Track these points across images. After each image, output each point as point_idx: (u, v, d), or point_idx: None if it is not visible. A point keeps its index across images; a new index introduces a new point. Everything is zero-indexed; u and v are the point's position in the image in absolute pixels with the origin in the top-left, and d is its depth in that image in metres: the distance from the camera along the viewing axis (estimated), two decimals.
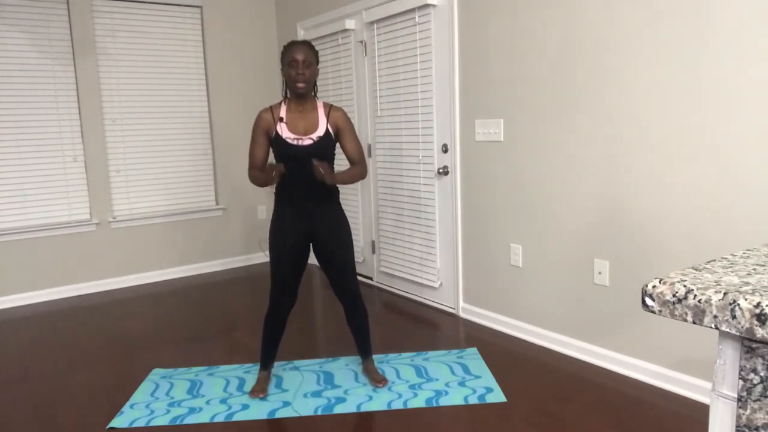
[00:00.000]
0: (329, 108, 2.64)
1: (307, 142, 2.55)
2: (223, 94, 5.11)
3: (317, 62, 2.57)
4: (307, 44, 2.55)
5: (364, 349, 2.84)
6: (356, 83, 4.40)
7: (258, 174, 2.59)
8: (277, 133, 2.56)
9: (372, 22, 4.10)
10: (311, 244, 2.70)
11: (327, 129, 2.59)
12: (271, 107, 2.62)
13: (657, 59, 2.50)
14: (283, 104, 2.62)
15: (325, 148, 2.58)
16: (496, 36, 3.23)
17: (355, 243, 4.68)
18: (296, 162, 2.56)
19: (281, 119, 2.57)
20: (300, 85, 2.51)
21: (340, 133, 2.64)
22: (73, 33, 4.38)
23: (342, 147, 2.68)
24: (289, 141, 2.55)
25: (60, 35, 4.35)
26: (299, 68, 2.50)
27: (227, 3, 5.07)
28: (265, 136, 2.60)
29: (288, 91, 2.61)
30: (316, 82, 2.60)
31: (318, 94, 4.88)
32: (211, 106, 5.06)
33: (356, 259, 4.67)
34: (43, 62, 4.30)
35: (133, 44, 4.66)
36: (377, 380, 2.76)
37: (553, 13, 2.91)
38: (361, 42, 4.27)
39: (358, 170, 2.64)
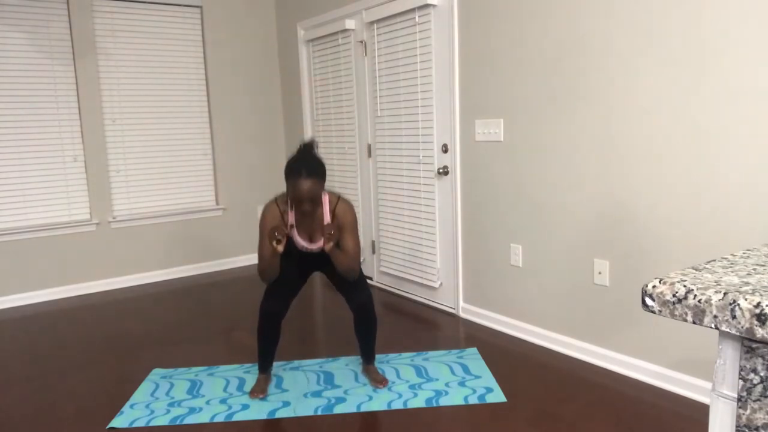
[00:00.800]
0: (335, 204, 2.59)
1: (315, 248, 2.64)
2: (223, 94, 5.11)
3: (323, 185, 2.46)
4: (310, 175, 2.37)
5: (367, 355, 2.85)
6: (356, 83, 4.40)
7: (267, 267, 2.53)
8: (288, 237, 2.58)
9: (372, 22, 4.10)
10: (318, 269, 2.80)
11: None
12: (278, 204, 2.56)
13: (657, 59, 2.50)
14: (289, 205, 2.59)
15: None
16: (496, 36, 3.23)
17: None
18: (305, 256, 2.72)
19: (292, 226, 2.60)
20: (307, 215, 2.50)
21: (342, 231, 2.59)
22: (73, 33, 4.38)
23: (340, 241, 2.60)
24: (299, 247, 2.65)
25: (60, 35, 4.35)
26: (305, 205, 2.42)
27: (227, 3, 5.07)
28: None
29: None
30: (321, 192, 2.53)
31: (318, 95, 4.89)
32: (211, 106, 5.06)
33: None
34: (43, 62, 4.30)
35: (133, 44, 4.66)
36: (377, 380, 2.76)
37: (554, 13, 2.91)
38: (361, 42, 4.27)
39: (351, 265, 2.55)
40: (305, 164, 2.40)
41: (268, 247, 2.45)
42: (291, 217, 2.59)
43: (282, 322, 2.75)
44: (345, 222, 2.58)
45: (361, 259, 4.44)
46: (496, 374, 2.86)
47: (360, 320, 2.76)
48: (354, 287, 2.72)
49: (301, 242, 2.62)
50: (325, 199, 2.61)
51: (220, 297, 4.37)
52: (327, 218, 2.60)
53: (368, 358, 2.85)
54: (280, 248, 2.38)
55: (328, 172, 4.89)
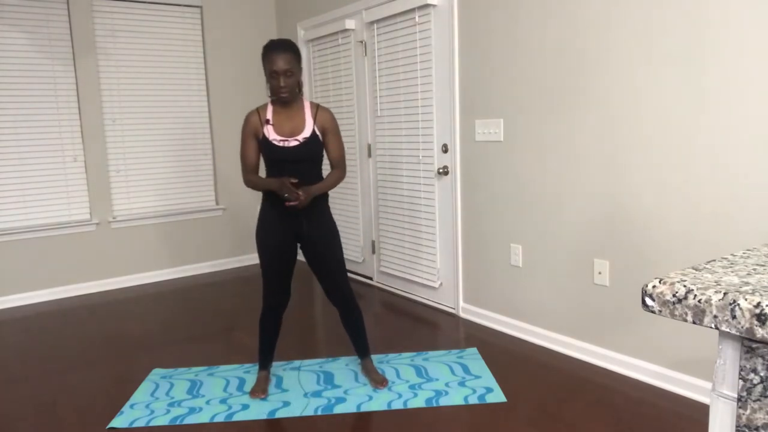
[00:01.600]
0: (316, 109, 2.62)
1: (293, 143, 2.55)
2: (223, 94, 5.11)
3: (299, 63, 2.52)
4: (286, 49, 2.46)
5: (361, 349, 2.84)
6: (356, 83, 4.40)
7: (256, 179, 2.59)
8: (264, 135, 2.55)
9: (372, 22, 4.10)
10: (299, 245, 2.70)
11: (314, 130, 2.58)
12: (257, 109, 2.61)
13: (657, 59, 2.50)
14: (269, 105, 2.61)
15: (311, 149, 2.57)
16: (496, 36, 3.23)
17: (355, 243, 4.68)
18: (284, 163, 2.56)
19: (267, 121, 2.57)
20: (283, 94, 2.50)
21: (326, 135, 2.62)
22: (73, 33, 4.38)
23: (325, 148, 2.65)
24: (276, 143, 2.54)
25: (60, 35, 4.35)
26: (280, 80, 2.47)
27: (227, 3, 5.07)
28: (253, 138, 2.60)
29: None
30: (300, 81, 2.56)
31: (318, 95, 4.89)
32: (211, 106, 5.06)
33: (356, 260, 4.67)
34: (43, 62, 4.30)
35: (133, 44, 4.66)
36: (377, 381, 2.76)
37: (554, 13, 2.91)
38: (361, 42, 4.27)
39: (337, 175, 2.64)
40: (280, 40, 2.50)
41: (262, 183, 2.57)
42: (268, 113, 2.59)
43: (283, 313, 2.74)
44: (327, 127, 2.60)
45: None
46: (496, 374, 2.86)
47: (343, 314, 2.77)
48: (333, 281, 2.69)
49: (278, 138, 2.55)
50: (306, 104, 2.62)
51: (220, 297, 4.37)
52: (309, 121, 2.58)
53: (362, 352, 2.85)
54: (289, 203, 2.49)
55: (326, 173, 4.89)
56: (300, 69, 2.53)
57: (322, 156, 2.65)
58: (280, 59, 2.44)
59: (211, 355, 3.25)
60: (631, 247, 2.71)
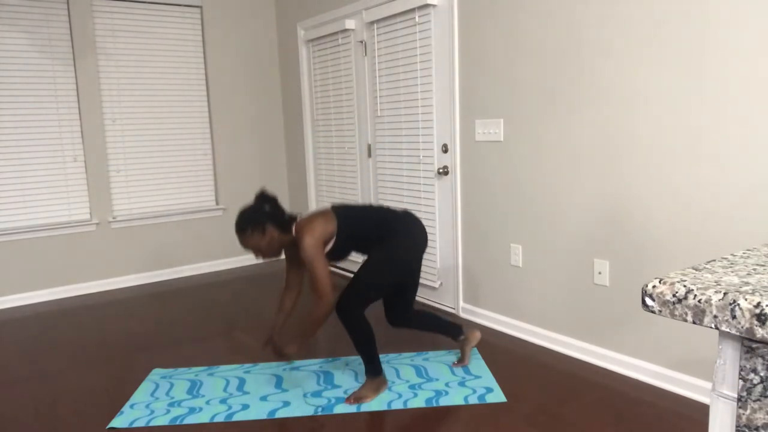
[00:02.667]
0: (299, 235, 2.52)
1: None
2: (223, 94, 5.11)
3: (255, 233, 2.49)
4: (239, 237, 2.53)
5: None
6: (356, 83, 4.40)
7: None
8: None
9: (372, 22, 4.10)
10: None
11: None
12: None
13: (657, 59, 2.50)
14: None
15: (336, 250, 2.61)
16: (496, 36, 3.23)
17: None
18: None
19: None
20: (266, 260, 2.60)
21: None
22: (73, 33, 4.38)
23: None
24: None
25: (60, 35, 4.35)
26: (255, 256, 2.60)
27: (227, 3, 5.07)
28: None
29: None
30: (272, 236, 2.53)
31: (318, 95, 4.88)
32: (211, 106, 5.06)
33: (356, 260, 4.67)
34: (43, 62, 4.30)
35: (133, 44, 4.66)
36: (350, 396, 2.67)
37: (554, 13, 2.91)
38: (361, 42, 4.27)
39: (312, 308, 2.49)
40: (236, 221, 2.56)
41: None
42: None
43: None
44: (302, 256, 2.49)
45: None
46: (496, 374, 2.86)
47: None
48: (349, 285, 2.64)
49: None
50: (295, 230, 2.59)
51: (220, 297, 4.37)
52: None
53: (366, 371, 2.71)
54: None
55: (327, 173, 4.89)
56: (260, 235, 2.51)
57: (348, 243, 2.62)
58: (239, 243, 2.57)
59: (211, 355, 3.25)
60: (631, 247, 2.71)
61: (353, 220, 2.61)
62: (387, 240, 2.60)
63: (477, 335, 2.99)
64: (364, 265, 2.59)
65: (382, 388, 2.69)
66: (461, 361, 2.94)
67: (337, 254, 2.63)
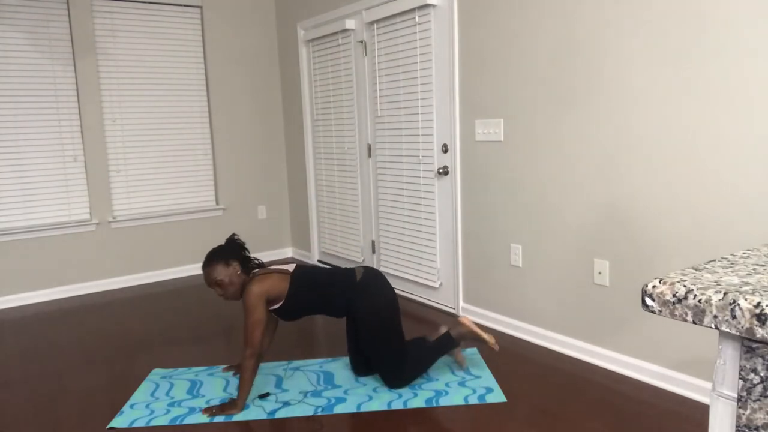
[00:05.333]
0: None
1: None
2: (223, 94, 5.11)
3: (225, 264, 2.62)
4: (206, 267, 2.64)
5: None
6: (356, 83, 4.40)
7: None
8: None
9: (372, 22, 4.10)
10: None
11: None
12: None
13: (656, 59, 2.50)
14: None
15: (287, 309, 2.66)
16: (496, 36, 3.23)
17: (355, 243, 4.69)
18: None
19: None
20: (227, 299, 2.69)
21: None
22: (73, 33, 4.38)
23: None
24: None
25: (60, 35, 4.35)
26: (216, 292, 2.69)
27: (227, 3, 5.07)
28: None
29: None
30: (231, 277, 2.63)
31: (318, 95, 4.88)
32: (211, 106, 5.06)
33: (356, 260, 4.67)
34: (43, 62, 4.30)
35: (133, 44, 4.66)
36: None
37: (553, 13, 2.91)
38: (361, 42, 4.27)
39: (243, 360, 2.56)
40: (205, 257, 2.69)
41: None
42: None
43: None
44: (243, 302, 2.59)
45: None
46: (496, 374, 2.86)
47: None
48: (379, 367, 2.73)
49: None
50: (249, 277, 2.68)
51: (220, 297, 4.36)
52: None
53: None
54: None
55: (327, 173, 4.89)
56: (224, 267, 2.63)
57: (292, 302, 2.65)
58: (205, 279, 2.67)
59: (211, 355, 3.25)
60: (631, 247, 2.71)
61: (309, 285, 2.66)
62: (359, 299, 2.66)
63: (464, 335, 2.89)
64: (366, 337, 2.66)
65: None
66: (459, 363, 2.94)
67: (290, 314, 2.69)
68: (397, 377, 2.70)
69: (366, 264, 4.61)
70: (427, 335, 2.87)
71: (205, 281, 2.67)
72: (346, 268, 2.79)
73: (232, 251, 2.68)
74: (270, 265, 2.74)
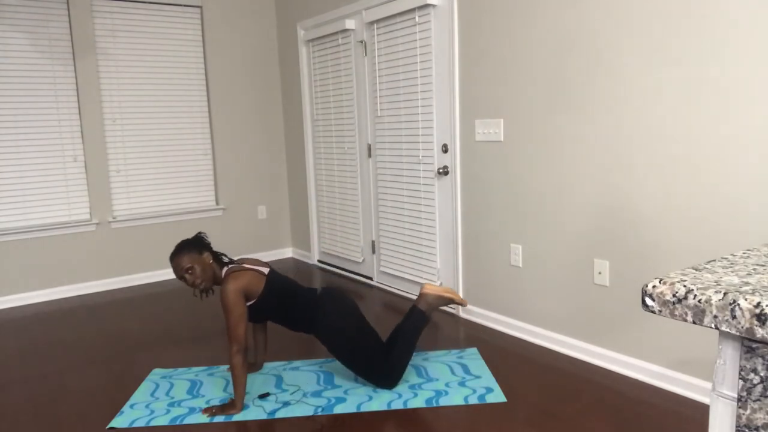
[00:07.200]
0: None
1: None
2: (223, 93, 5.11)
3: (198, 252, 2.61)
4: (176, 256, 2.61)
5: None
6: (356, 83, 4.40)
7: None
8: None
9: (372, 22, 4.10)
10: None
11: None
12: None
13: (656, 59, 2.50)
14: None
15: (256, 310, 2.66)
16: (496, 36, 3.23)
17: (355, 243, 4.69)
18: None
19: None
20: (198, 290, 2.63)
21: None
22: (73, 33, 4.38)
23: None
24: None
25: (60, 35, 4.35)
26: (187, 282, 2.63)
27: (227, 3, 5.07)
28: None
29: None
30: (203, 267, 2.62)
31: (318, 95, 4.88)
32: (211, 106, 5.06)
33: (356, 260, 4.67)
34: (43, 62, 4.30)
35: (133, 44, 4.66)
36: None
37: (553, 13, 2.91)
38: (361, 42, 4.27)
39: (230, 363, 2.56)
40: (174, 248, 2.71)
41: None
42: None
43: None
44: (221, 300, 2.57)
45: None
46: (496, 374, 2.86)
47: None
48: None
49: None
50: (224, 273, 2.65)
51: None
52: None
53: None
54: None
55: (327, 173, 4.89)
56: (197, 255, 2.62)
57: (266, 304, 2.65)
58: (174, 269, 2.65)
59: (211, 355, 3.25)
60: (631, 247, 2.71)
61: (278, 292, 2.66)
62: (318, 320, 2.67)
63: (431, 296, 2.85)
64: (339, 356, 2.68)
65: None
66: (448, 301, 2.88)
67: (255, 315, 2.69)
68: (384, 379, 2.70)
69: (365, 263, 4.61)
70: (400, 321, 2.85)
71: (174, 271, 2.63)
72: (309, 287, 2.81)
73: (201, 243, 2.67)
74: (243, 262, 2.71)
